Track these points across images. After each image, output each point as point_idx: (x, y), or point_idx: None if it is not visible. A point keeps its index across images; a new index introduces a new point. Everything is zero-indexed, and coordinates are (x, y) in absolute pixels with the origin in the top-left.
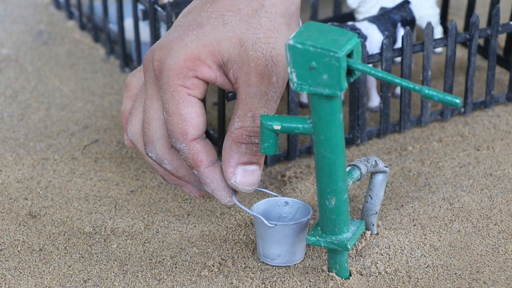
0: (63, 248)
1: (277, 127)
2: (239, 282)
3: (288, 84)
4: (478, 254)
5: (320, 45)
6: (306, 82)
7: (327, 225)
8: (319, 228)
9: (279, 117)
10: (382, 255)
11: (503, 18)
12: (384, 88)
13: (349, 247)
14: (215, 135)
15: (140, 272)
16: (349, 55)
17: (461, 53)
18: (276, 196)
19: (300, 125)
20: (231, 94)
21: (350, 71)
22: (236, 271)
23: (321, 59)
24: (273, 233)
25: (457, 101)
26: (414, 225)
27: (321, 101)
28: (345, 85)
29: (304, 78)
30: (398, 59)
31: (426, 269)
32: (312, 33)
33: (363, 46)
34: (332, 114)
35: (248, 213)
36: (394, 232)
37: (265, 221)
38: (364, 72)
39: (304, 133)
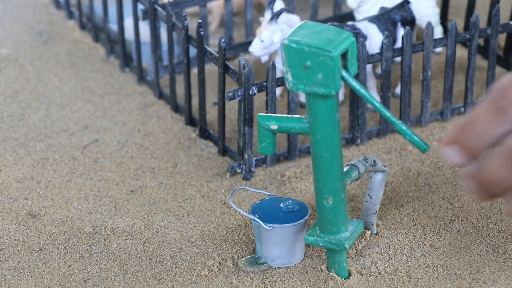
0: (63, 248)
1: (274, 127)
2: (239, 282)
3: None
4: (478, 254)
5: (315, 44)
6: (301, 81)
7: (325, 225)
8: (317, 227)
9: (276, 117)
10: (382, 255)
11: (503, 18)
12: (384, 88)
13: (347, 246)
14: (215, 135)
15: (140, 272)
16: (345, 54)
17: (461, 53)
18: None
19: (296, 125)
20: (231, 94)
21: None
22: (236, 271)
23: (316, 58)
24: (272, 235)
25: (425, 147)
26: (414, 225)
27: (317, 100)
28: (340, 84)
29: (299, 78)
30: (398, 59)
31: (426, 269)
32: (307, 33)
33: (363, 46)
34: (328, 113)
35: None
36: (394, 232)
37: (262, 224)
38: (353, 89)
39: (301, 133)
